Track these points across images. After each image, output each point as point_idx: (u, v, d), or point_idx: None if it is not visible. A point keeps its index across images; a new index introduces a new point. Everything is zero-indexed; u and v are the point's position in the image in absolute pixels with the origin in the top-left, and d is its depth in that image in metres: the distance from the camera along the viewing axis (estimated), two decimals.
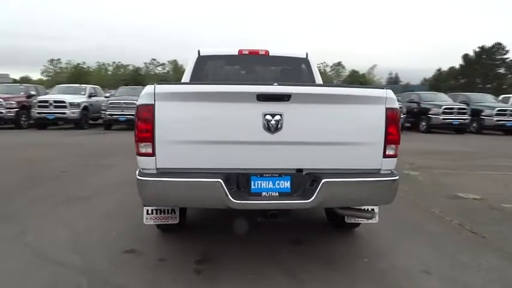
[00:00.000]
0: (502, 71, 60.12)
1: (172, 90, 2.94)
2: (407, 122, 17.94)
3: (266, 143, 2.95)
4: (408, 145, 12.15)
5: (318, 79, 5.18)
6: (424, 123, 17.40)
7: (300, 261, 3.43)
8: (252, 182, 3.03)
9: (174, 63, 76.22)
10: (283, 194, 3.04)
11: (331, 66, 71.98)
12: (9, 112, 15.59)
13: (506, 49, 58.95)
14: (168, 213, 3.55)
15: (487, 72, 58.70)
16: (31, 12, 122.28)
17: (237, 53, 5.11)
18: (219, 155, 2.98)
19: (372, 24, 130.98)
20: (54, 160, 8.31)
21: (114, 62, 71.76)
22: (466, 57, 61.83)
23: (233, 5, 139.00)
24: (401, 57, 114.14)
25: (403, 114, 16.61)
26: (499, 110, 17.12)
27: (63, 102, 15.55)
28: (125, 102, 15.37)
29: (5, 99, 15.62)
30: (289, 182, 3.05)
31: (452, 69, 64.43)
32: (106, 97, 18.57)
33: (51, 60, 64.82)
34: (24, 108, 16.14)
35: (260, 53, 5.13)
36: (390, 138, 3.08)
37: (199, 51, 5.12)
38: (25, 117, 16.17)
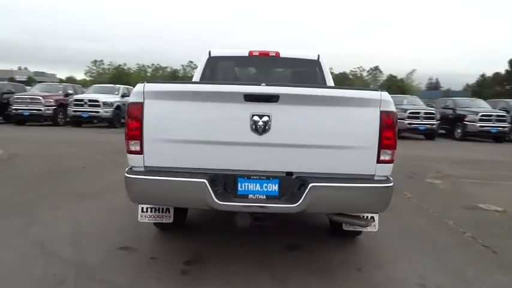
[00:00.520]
0: None
1: (160, 89, 2.94)
2: (442, 128, 17.24)
3: (254, 145, 2.89)
4: (439, 153, 11.71)
5: (330, 81, 5.06)
6: (459, 131, 16.65)
7: (291, 267, 3.34)
8: (239, 184, 2.98)
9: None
10: (270, 198, 2.97)
11: (368, 71, 70.50)
12: (48, 110, 16.30)
13: None
14: (162, 211, 3.56)
15: None
16: (77, 15, 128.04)
17: (247, 54, 5.08)
18: (206, 155, 2.95)
19: (411, 27, 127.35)
20: (79, 156, 8.60)
21: (153, 64, 73.82)
22: None
23: (272, 8, 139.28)
24: (443, 61, 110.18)
25: (437, 120, 15.98)
26: None
27: (97, 101, 16.11)
28: None
29: (44, 97, 16.37)
30: (277, 185, 2.98)
31: (497, 74, 61.42)
32: None
33: (94, 61, 67.55)
34: (62, 106, 16.84)
35: (271, 54, 5.08)
36: (385, 143, 2.94)
37: (210, 52, 5.13)
38: (62, 115, 16.88)
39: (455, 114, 17.13)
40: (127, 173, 2.97)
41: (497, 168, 9.22)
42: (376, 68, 70.04)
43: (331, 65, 68.82)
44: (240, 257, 3.52)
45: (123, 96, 17.80)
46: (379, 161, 2.94)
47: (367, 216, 3.56)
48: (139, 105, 2.91)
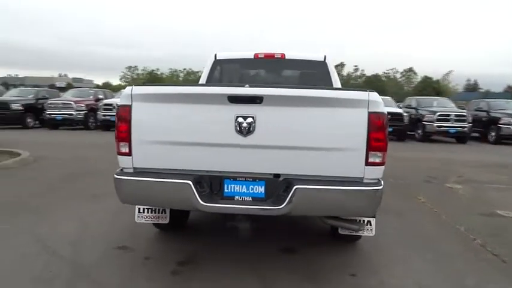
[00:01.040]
0: None
1: (147, 92, 3.00)
2: (475, 132, 16.54)
3: (238, 146, 2.89)
4: (468, 157, 11.26)
5: (336, 82, 4.99)
6: (493, 134, 15.89)
7: (283, 270, 3.30)
8: (226, 186, 2.98)
9: None
10: (256, 199, 2.95)
11: (402, 73, 68.76)
12: (79, 114, 16.93)
13: None
14: (158, 212, 3.61)
15: None
16: (114, 23, 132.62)
17: (252, 57, 5.09)
18: (192, 157, 2.97)
19: (448, 26, 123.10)
20: (103, 159, 8.82)
21: (184, 69, 75.21)
22: None
23: (299, 10, 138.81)
24: (482, 62, 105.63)
25: (468, 123, 15.35)
26: None
27: None
28: None
29: (75, 102, 17.03)
30: (263, 187, 2.95)
31: None
32: None
33: (129, 67, 69.58)
34: (92, 110, 17.44)
35: (276, 56, 5.06)
36: (374, 145, 2.85)
37: (215, 55, 5.17)
38: (93, 119, 17.47)
39: (489, 116, 16.38)
40: (116, 174, 3.03)
41: None
42: (410, 70, 68.19)
43: (364, 67, 67.76)
44: (234, 258, 3.52)
45: None
46: (367, 164, 2.86)
47: (362, 221, 3.47)
48: (128, 108, 2.97)
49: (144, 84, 2.96)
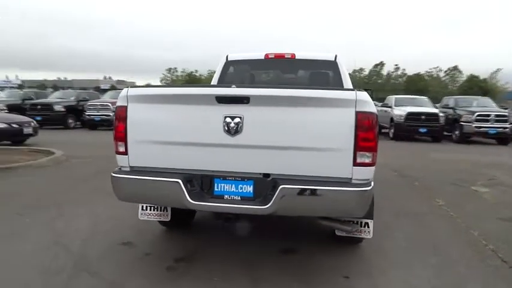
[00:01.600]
0: None
1: (141, 93, 3.12)
2: None
3: (227, 146, 2.94)
4: (506, 159, 10.71)
5: (347, 82, 4.92)
6: None
7: (276, 270, 3.31)
8: (216, 185, 3.04)
9: None
10: (245, 199, 2.99)
11: (446, 71, 65.93)
12: None
13: None
14: (160, 210, 3.74)
15: None
16: (155, 26, 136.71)
17: (263, 57, 5.12)
18: (183, 156, 3.05)
19: (495, 22, 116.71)
20: None
21: None
22: None
23: (340, 10, 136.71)
24: None
25: (510, 123, 14.53)
26: None
27: None
28: None
29: (112, 103, 17.71)
30: (252, 186, 2.99)
31: None
32: None
33: (169, 69, 71.21)
34: None
35: (286, 56, 5.07)
36: (362, 145, 2.81)
37: (227, 56, 5.25)
38: None
39: None
40: (113, 172, 3.17)
41: None
42: (455, 68, 65.12)
43: (405, 65, 65.61)
44: (231, 257, 3.57)
45: None
46: (355, 164, 2.82)
47: (357, 222, 3.43)
48: (124, 109, 3.11)
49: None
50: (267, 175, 2.98)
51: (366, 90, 5.89)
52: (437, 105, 17.97)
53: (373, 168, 2.91)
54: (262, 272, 3.28)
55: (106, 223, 4.43)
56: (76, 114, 18.06)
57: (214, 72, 5.33)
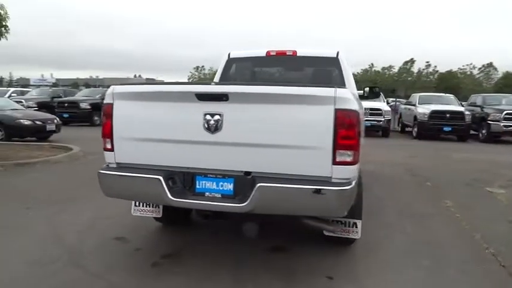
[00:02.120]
0: None
1: (125, 90, 3.16)
2: None
3: (207, 143, 2.94)
4: None
5: (348, 79, 4.82)
6: None
7: (261, 268, 3.28)
8: (197, 182, 3.05)
9: None
10: (225, 196, 2.97)
11: (480, 68, 63.49)
12: None
13: None
14: (152, 206, 3.78)
15: None
16: (181, 25, 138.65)
17: (264, 54, 5.09)
18: (165, 153, 3.07)
19: None
20: None
21: None
22: None
23: (369, 4, 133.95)
24: None
25: None
26: None
27: None
28: None
29: None
30: (232, 184, 2.97)
31: None
32: None
33: (197, 67, 72.00)
34: None
35: (287, 53, 5.02)
36: (341, 143, 2.74)
37: (229, 54, 5.26)
38: None
39: None
40: (100, 169, 3.24)
41: None
42: (490, 65, 62.68)
43: (437, 62, 63.63)
44: (219, 254, 3.57)
45: None
46: (335, 163, 2.75)
47: (347, 222, 3.36)
48: (110, 106, 3.16)
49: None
50: (248, 173, 2.95)
51: (372, 87, 5.80)
52: (464, 103, 17.37)
53: (354, 167, 2.83)
54: (246, 271, 3.26)
55: (105, 219, 4.51)
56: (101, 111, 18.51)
57: None
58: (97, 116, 18.38)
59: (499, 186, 6.57)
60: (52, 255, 3.50)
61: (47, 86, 46.39)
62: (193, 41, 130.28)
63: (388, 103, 19.57)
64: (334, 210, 2.86)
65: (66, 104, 17.62)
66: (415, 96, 17.14)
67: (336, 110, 2.71)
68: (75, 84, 61.12)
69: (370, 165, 8.23)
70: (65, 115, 16.38)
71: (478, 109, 15.50)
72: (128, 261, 3.46)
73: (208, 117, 2.88)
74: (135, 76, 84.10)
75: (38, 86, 42.28)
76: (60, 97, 19.76)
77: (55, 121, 11.55)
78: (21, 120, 10.90)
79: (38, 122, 11.04)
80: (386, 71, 65.53)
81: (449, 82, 56.64)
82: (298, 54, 4.99)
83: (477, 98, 17.08)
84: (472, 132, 14.97)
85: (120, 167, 3.22)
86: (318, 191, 2.72)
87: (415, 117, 15.34)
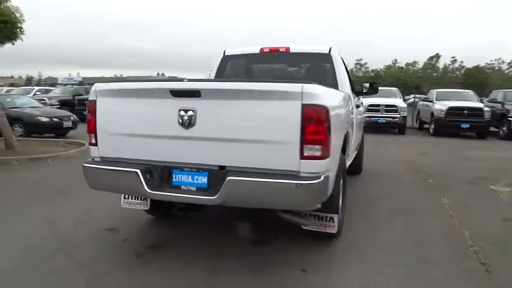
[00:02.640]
0: None
1: (107, 88, 3.30)
2: None
3: (182, 138, 3.05)
4: None
5: (340, 74, 4.84)
6: None
7: (237, 262, 3.33)
8: (174, 175, 3.16)
9: None
10: (200, 189, 3.08)
11: (510, 63, 61.27)
12: None
13: None
14: (140, 199, 3.92)
15: None
16: (204, 26, 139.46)
17: (258, 51, 5.16)
18: (144, 148, 3.20)
19: None
20: None
21: None
22: None
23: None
24: None
25: None
26: None
27: None
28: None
29: None
30: (206, 177, 3.07)
31: None
32: None
33: None
34: None
35: (281, 50, 5.07)
36: (309, 138, 2.80)
37: (224, 51, 5.35)
38: None
39: None
40: (84, 162, 3.40)
41: None
42: None
43: (463, 58, 61.81)
44: (202, 247, 3.66)
45: None
46: (303, 157, 2.81)
47: (324, 217, 3.40)
48: (93, 102, 3.32)
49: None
50: (222, 167, 3.04)
51: (372, 83, 5.77)
52: (484, 99, 16.90)
53: (324, 161, 2.87)
54: (223, 262, 3.34)
55: (102, 210, 4.68)
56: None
57: None
58: None
59: (505, 184, 6.42)
60: (45, 244, 3.68)
61: (73, 84, 47.69)
62: (216, 40, 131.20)
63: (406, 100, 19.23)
64: (303, 204, 2.92)
65: (85, 102, 18.05)
66: (433, 92, 16.80)
67: (303, 106, 2.76)
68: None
69: (377, 162, 8.22)
70: (85, 112, 16.78)
71: (499, 105, 15.07)
72: (114, 251, 3.61)
73: (182, 113, 2.99)
74: (158, 74, 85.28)
75: (65, 85, 43.51)
76: (81, 95, 20.33)
77: (72, 118, 11.96)
78: (40, 118, 11.34)
79: (55, 119, 11.45)
80: (410, 67, 64.20)
81: (477, 78, 54.90)
82: (291, 51, 5.04)
83: (498, 94, 16.59)
84: (492, 129, 14.58)
85: (104, 160, 3.37)
86: (288, 185, 2.79)
87: (432, 114, 15.04)
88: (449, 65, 64.68)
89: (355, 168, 6.60)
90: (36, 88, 24.79)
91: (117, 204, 4.65)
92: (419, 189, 6.03)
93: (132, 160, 3.23)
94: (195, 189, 3.09)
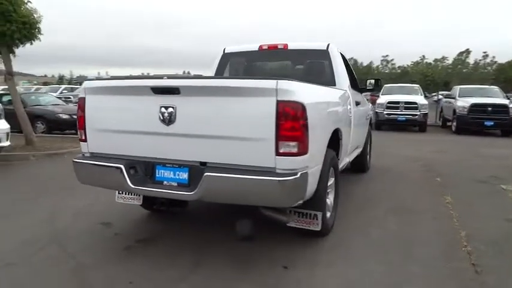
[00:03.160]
0: None
1: (94, 85, 3.40)
2: None
3: (163, 134, 3.10)
4: None
5: (338, 70, 4.79)
6: None
7: (221, 257, 3.35)
8: (157, 171, 3.22)
9: (352, 61, 76.52)
10: (181, 185, 3.13)
11: None
12: None
13: None
14: (133, 194, 4.01)
15: None
16: (231, 21, 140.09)
17: (257, 49, 5.17)
18: (128, 144, 3.28)
19: None
20: None
21: None
22: None
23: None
24: None
25: None
26: None
27: None
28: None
29: None
30: (187, 173, 3.12)
31: None
32: None
33: None
34: None
35: (279, 47, 5.07)
36: (284, 135, 2.79)
37: (224, 49, 5.39)
38: None
39: None
40: (74, 158, 3.51)
41: None
42: None
43: (494, 53, 59.65)
44: (190, 242, 3.71)
45: None
46: (278, 154, 2.81)
47: (308, 214, 3.38)
48: (83, 100, 3.42)
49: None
50: (203, 163, 3.08)
51: (377, 80, 5.69)
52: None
53: (301, 158, 2.86)
54: (208, 257, 3.38)
55: (102, 205, 4.80)
56: None
57: None
58: None
59: None
60: (41, 236, 3.83)
61: None
62: (244, 39, 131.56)
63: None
64: (279, 200, 2.91)
65: None
66: (456, 89, 16.29)
67: (278, 102, 2.76)
68: None
69: (388, 159, 8.11)
70: None
71: None
72: (104, 243, 3.71)
73: (163, 109, 3.04)
74: (183, 72, 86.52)
75: None
76: None
77: None
78: (60, 115, 11.73)
79: (74, 116, 11.74)
80: (439, 62, 62.50)
81: (509, 73, 52.94)
82: (289, 48, 5.03)
83: None
84: None
85: (93, 156, 3.47)
86: (263, 181, 2.80)
87: (454, 111, 14.61)
88: (480, 60, 62.78)
89: (360, 166, 6.52)
90: (63, 86, 25.65)
91: (112, 198, 4.81)
92: (425, 188, 5.88)
93: (117, 156, 3.32)
94: (176, 184, 3.14)
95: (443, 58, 63.10)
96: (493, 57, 60.01)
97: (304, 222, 3.41)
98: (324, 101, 3.52)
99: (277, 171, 2.84)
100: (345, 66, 5.28)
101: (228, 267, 3.21)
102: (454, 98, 15.40)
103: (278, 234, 3.79)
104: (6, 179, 6.64)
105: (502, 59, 58.48)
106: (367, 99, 7.45)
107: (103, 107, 3.34)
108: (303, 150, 2.86)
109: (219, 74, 5.31)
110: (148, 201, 4.08)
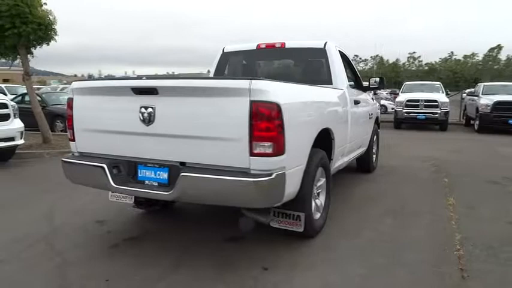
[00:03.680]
0: None
1: (81, 86, 3.46)
2: None
3: (143, 134, 3.13)
4: None
5: (335, 69, 4.71)
6: None
7: (203, 257, 3.35)
8: (139, 170, 3.26)
9: (378, 58, 75.15)
10: (161, 185, 3.15)
11: None
12: None
13: None
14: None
15: None
16: (246, 20, 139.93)
17: (255, 48, 5.15)
18: (112, 143, 3.33)
19: None
20: None
21: None
22: None
23: None
24: None
25: None
26: None
27: None
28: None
29: None
30: (167, 173, 3.13)
31: None
32: None
33: None
34: None
35: (276, 45, 5.03)
36: (258, 135, 2.77)
37: (223, 48, 5.39)
38: None
39: None
40: (62, 157, 3.59)
41: None
42: None
43: None
44: (176, 241, 3.72)
45: None
46: (252, 154, 2.79)
47: (292, 215, 3.34)
48: (71, 100, 3.49)
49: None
50: (183, 163, 3.09)
51: (381, 78, 5.57)
52: None
53: (277, 158, 2.82)
54: (190, 257, 3.38)
55: (101, 203, 4.85)
56: None
57: None
58: None
59: None
60: (34, 233, 3.93)
61: None
62: (269, 37, 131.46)
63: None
64: (254, 201, 2.89)
65: None
66: (480, 86, 15.72)
67: (251, 102, 2.74)
68: None
69: (399, 159, 7.94)
70: None
71: None
72: (93, 241, 3.77)
73: (143, 109, 3.07)
74: (208, 71, 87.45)
75: None
76: None
77: None
78: None
79: None
80: (468, 59, 60.49)
81: None
82: (286, 46, 4.98)
83: None
84: None
85: (81, 155, 3.54)
86: (237, 182, 2.79)
87: (477, 109, 14.10)
88: None
89: (365, 166, 6.40)
90: None
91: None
92: (429, 189, 5.70)
93: (103, 155, 3.37)
94: (156, 184, 3.17)
95: (473, 54, 61.00)
96: None
97: (287, 223, 3.37)
98: (306, 101, 3.46)
99: (252, 171, 2.81)
100: (346, 64, 5.20)
101: (209, 267, 3.20)
102: (477, 95, 14.87)
103: (264, 236, 3.76)
104: (17, 175, 6.87)
105: None
106: (377, 98, 7.29)
107: (89, 107, 3.40)
108: (278, 151, 2.82)
109: (218, 73, 5.32)
110: (141, 201, 4.14)
